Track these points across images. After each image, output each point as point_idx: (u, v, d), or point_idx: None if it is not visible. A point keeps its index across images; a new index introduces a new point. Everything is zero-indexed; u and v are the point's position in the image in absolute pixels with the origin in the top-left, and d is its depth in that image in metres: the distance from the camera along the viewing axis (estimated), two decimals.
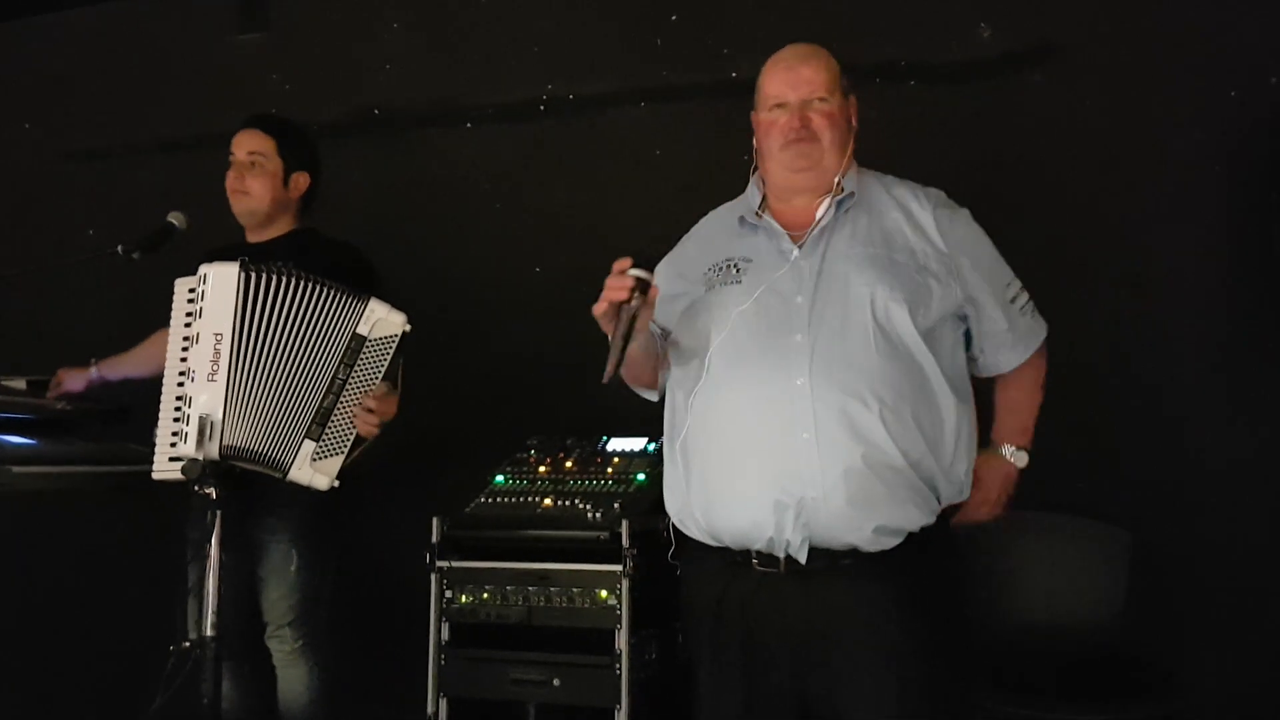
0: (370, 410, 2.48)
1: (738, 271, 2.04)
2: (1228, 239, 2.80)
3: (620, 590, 2.45)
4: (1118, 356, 2.81)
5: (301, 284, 2.44)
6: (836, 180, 2.02)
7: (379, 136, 3.57)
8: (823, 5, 3.09)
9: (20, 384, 2.89)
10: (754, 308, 1.97)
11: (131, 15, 3.84)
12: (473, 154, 3.47)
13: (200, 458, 2.31)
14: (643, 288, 1.86)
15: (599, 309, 1.91)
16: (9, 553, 3.51)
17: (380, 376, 2.49)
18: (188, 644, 2.34)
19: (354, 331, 2.47)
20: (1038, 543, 2.70)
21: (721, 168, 3.18)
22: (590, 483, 2.70)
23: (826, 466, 1.87)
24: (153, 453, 2.39)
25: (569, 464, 2.80)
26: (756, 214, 2.08)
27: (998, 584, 2.67)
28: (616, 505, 2.56)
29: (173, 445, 2.35)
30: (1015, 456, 2.13)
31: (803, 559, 1.89)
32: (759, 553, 1.93)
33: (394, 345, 2.49)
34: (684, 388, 2.05)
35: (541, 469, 2.80)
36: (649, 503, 2.62)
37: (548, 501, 2.64)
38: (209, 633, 2.33)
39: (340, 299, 2.47)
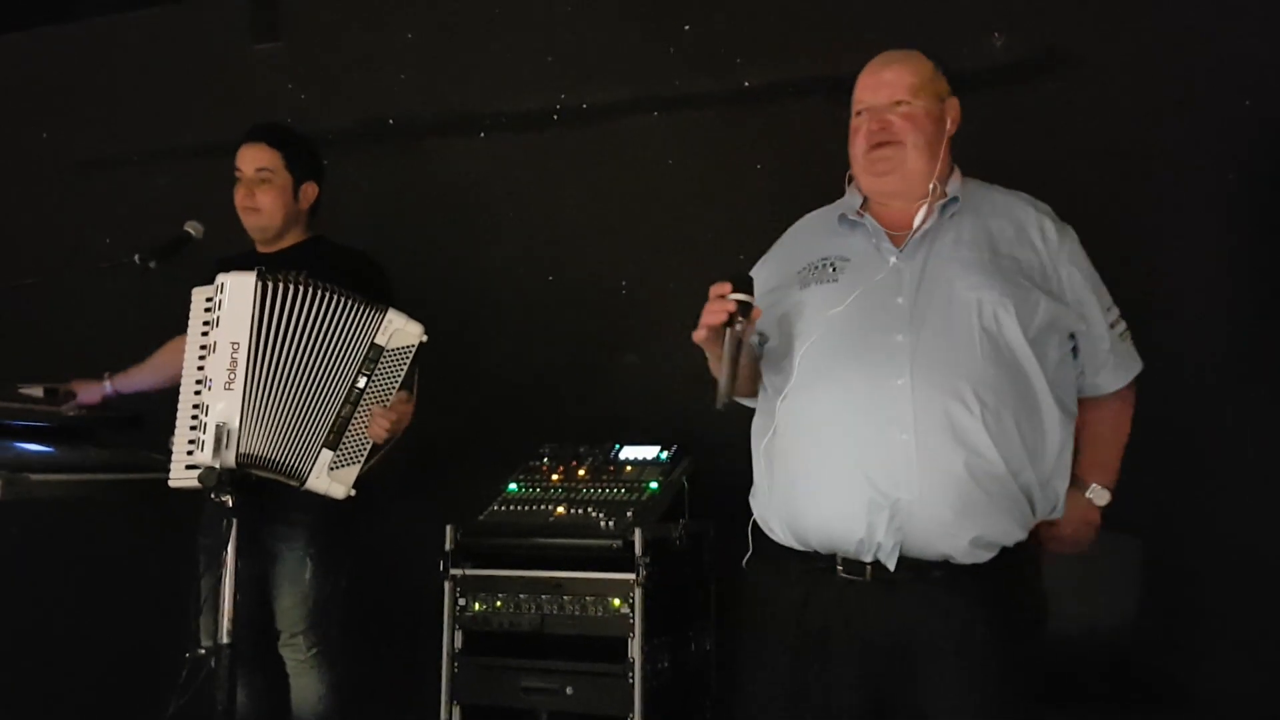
0: (386, 417, 2.49)
1: (834, 270, 1.97)
2: (1241, 248, 2.79)
3: (633, 598, 2.46)
4: None
5: (320, 294, 2.45)
6: (932, 185, 1.96)
7: (393, 145, 3.58)
8: (834, 14, 3.10)
9: (37, 391, 2.91)
10: (850, 308, 1.90)
11: (148, 25, 3.87)
12: (486, 163, 3.48)
13: (217, 466, 2.32)
14: (744, 310, 1.80)
15: (700, 335, 1.84)
16: (26, 559, 3.53)
17: (397, 386, 2.50)
18: (203, 651, 2.35)
19: (372, 341, 2.48)
20: (1048, 551, 2.69)
21: (734, 177, 3.22)
22: (603, 491, 2.71)
23: (925, 469, 1.79)
24: (169, 460, 2.40)
25: (582, 472, 2.81)
26: (858, 212, 2.02)
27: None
28: (629, 513, 2.57)
29: (189, 453, 2.36)
30: (1097, 495, 2.06)
31: (892, 565, 1.82)
32: (845, 559, 1.86)
33: (411, 355, 2.50)
34: (775, 388, 1.98)
35: (554, 477, 2.81)
36: (662, 511, 2.63)
37: (560, 509, 2.65)
38: (224, 640, 2.33)
39: (359, 309, 2.48)
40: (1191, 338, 2.79)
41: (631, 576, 2.46)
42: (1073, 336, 1.98)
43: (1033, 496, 1.88)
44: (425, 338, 2.51)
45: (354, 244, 2.88)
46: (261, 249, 2.83)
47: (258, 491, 2.46)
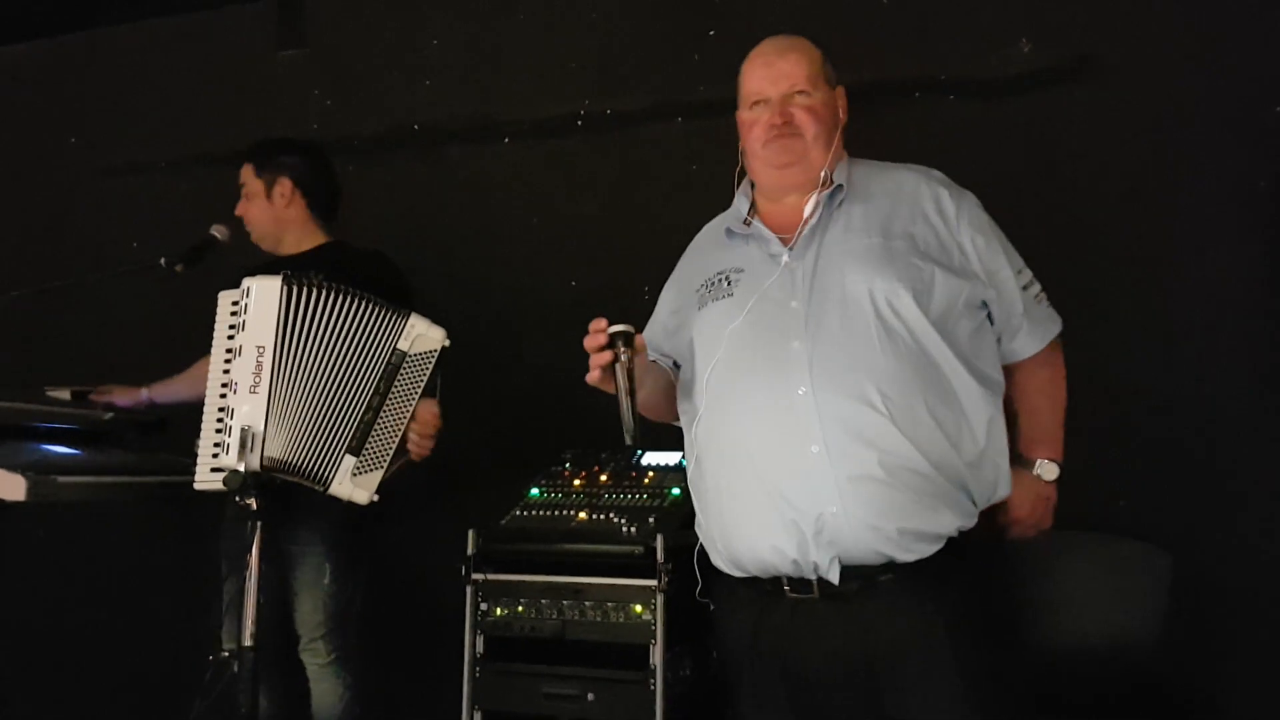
0: (420, 432, 2.50)
1: (729, 284, 1.95)
2: (1270, 256, 2.76)
3: (655, 605, 2.44)
4: (1157, 373, 2.78)
5: (343, 298, 2.46)
6: (822, 175, 1.93)
7: (417, 152, 3.60)
8: (861, 20, 3.08)
9: (64, 394, 2.93)
10: (747, 320, 1.88)
11: (174, 32, 3.91)
12: (510, 169, 3.49)
13: (242, 469, 2.33)
14: (626, 340, 1.81)
15: (592, 378, 1.84)
16: (51, 560, 3.55)
17: (420, 392, 2.50)
18: (226, 654, 2.35)
19: (395, 346, 2.49)
20: (1074, 563, 2.65)
21: None
22: (625, 497, 2.70)
23: (841, 478, 1.77)
24: (194, 464, 2.41)
25: (604, 478, 2.79)
26: (745, 222, 1.99)
27: (1033, 606, 2.64)
28: (651, 519, 2.56)
29: (214, 456, 2.37)
30: (1044, 469, 2.01)
31: (835, 579, 1.79)
32: (790, 579, 1.83)
33: (434, 360, 2.50)
34: (689, 416, 1.97)
35: (576, 482, 2.80)
36: (684, 517, 2.61)
37: (582, 515, 2.64)
38: (247, 643, 2.33)
39: (382, 314, 2.48)
40: (1220, 347, 2.76)
41: (653, 583, 2.45)
42: (985, 305, 1.92)
43: (965, 482, 1.84)
44: (448, 342, 2.51)
45: (376, 248, 2.89)
46: (281, 252, 2.85)
47: (279, 496, 2.46)
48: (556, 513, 2.68)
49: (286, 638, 2.70)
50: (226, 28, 3.84)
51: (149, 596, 3.51)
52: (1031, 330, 1.98)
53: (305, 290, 2.44)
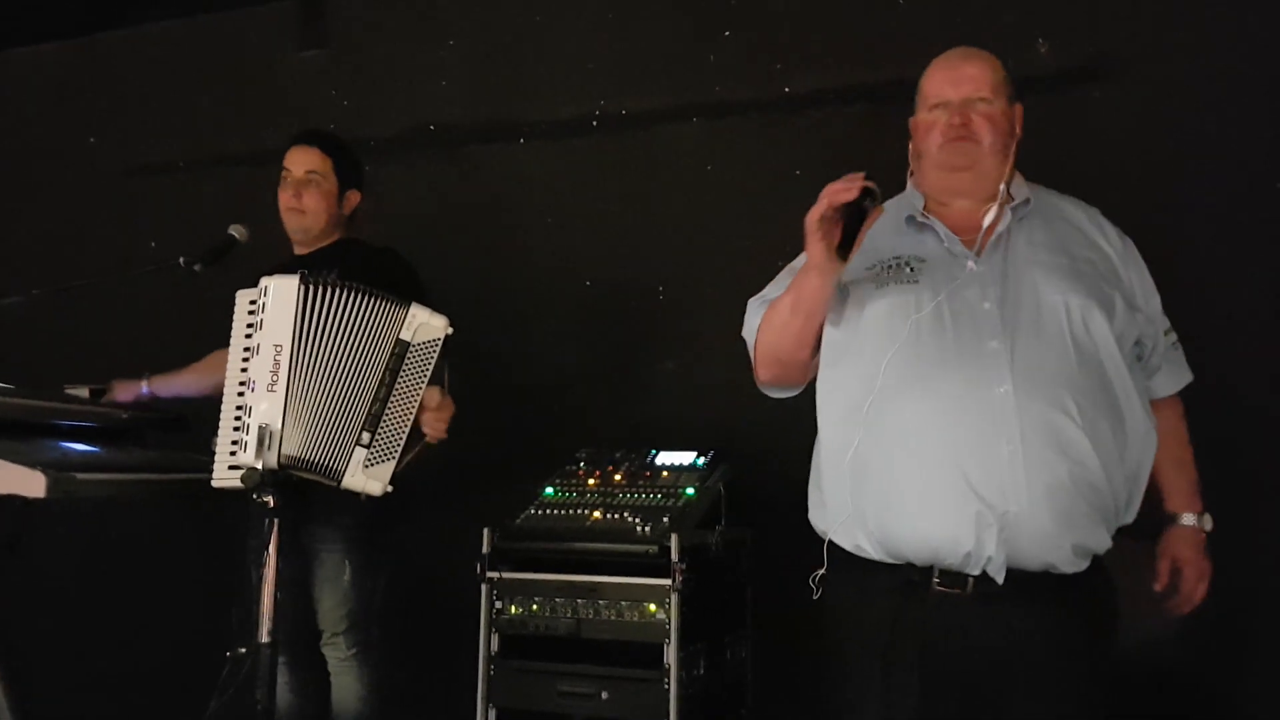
0: (436, 416, 2.50)
1: (912, 271, 1.91)
2: None
3: (669, 604, 2.45)
4: None
5: (351, 294, 2.47)
6: (1002, 187, 1.93)
7: (434, 152, 3.61)
8: (877, 21, 3.08)
9: (83, 392, 2.95)
10: (936, 312, 1.86)
11: (194, 32, 3.94)
12: (526, 169, 3.50)
13: (259, 466, 2.34)
14: (873, 198, 1.73)
15: (819, 210, 1.76)
16: (71, 557, 3.58)
17: (426, 380, 2.51)
18: (244, 650, 2.37)
19: (397, 337, 2.50)
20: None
21: (773, 183, 3.21)
22: (639, 496, 2.71)
23: (1032, 481, 1.77)
24: (212, 461, 2.43)
25: (618, 477, 2.80)
26: (924, 213, 1.97)
27: None
28: (666, 519, 2.57)
29: (232, 454, 2.38)
30: (1204, 520, 2.04)
31: (1000, 579, 1.79)
32: (943, 571, 1.82)
33: (437, 349, 2.51)
34: (846, 390, 1.92)
35: (591, 481, 2.81)
36: (698, 517, 2.63)
37: (597, 514, 2.65)
38: (265, 639, 2.35)
39: (383, 306, 2.49)
40: (1243, 349, 2.74)
41: (668, 582, 2.46)
42: (1139, 341, 1.96)
43: (1119, 506, 1.87)
44: (450, 330, 2.51)
45: (387, 245, 2.90)
46: (296, 251, 2.87)
47: (300, 493, 2.48)
48: (571, 512, 2.69)
49: (309, 633, 2.72)
50: (247, 28, 3.87)
51: (167, 593, 3.54)
52: (1168, 373, 2.04)
53: (321, 289, 2.45)
